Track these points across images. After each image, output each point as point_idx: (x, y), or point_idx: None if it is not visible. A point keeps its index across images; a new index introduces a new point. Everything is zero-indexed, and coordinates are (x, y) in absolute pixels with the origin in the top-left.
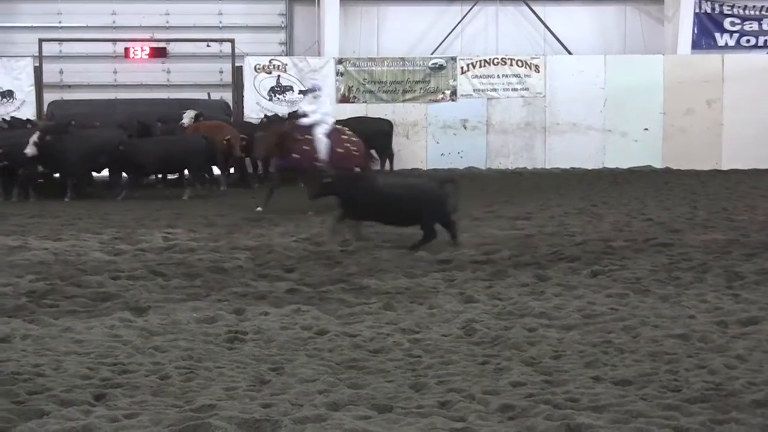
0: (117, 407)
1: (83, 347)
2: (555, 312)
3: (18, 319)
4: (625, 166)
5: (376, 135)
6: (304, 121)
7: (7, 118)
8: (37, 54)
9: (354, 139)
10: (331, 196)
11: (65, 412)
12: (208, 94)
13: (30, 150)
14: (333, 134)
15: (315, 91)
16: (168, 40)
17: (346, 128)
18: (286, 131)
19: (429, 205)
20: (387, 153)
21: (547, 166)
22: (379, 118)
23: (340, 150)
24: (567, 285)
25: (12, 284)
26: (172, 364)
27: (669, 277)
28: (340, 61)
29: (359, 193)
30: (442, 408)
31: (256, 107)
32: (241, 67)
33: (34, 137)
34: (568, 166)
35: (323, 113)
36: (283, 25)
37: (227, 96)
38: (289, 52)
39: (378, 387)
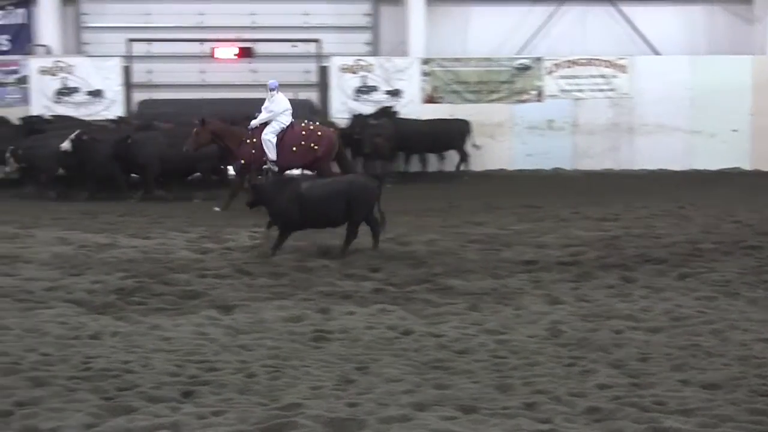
0: (204, 404)
1: (171, 344)
2: (642, 314)
3: (107, 317)
4: (712, 167)
5: (454, 135)
6: (253, 122)
7: (113, 118)
8: (126, 54)
9: (319, 134)
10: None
11: (153, 409)
12: (295, 94)
13: (66, 145)
14: (288, 132)
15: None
16: (255, 40)
17: (314, 124)
18: (230, 132)
19: (357, 202)
20: (462, 154)
21: (634, 168)
22: (457, 119)
23: (294, 148)
24: (654, 287)
25: (101, 282)
26: (258, 363)
27: (758, 281)
28: (425, 62)
29: (283, 199)
30: (527, 409)
31: (341, 107)
32: (327, 67)
33: (72, 135)
34: (654, 168)
35: (272, 111)
36: (368, 26)
37: (313, 96)
38: (374, 53)
39: (463, 387)
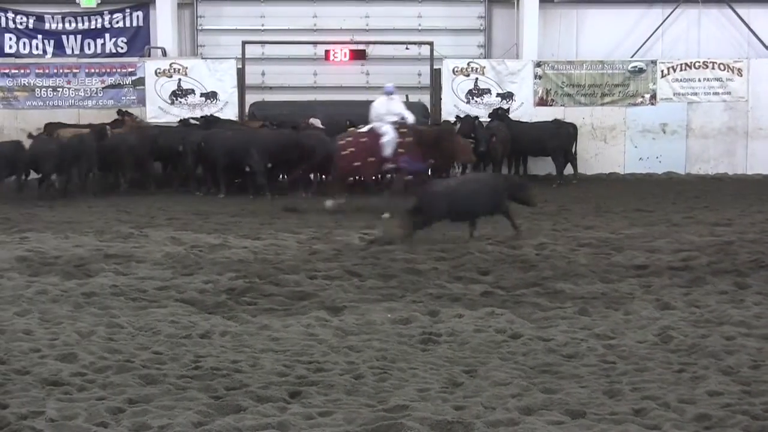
0: (312, 405)
1: (280, 345)
2: (755, 321)
3: (217, 316)
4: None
5: (562, 138)
6: (409, 121)
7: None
8: (241, 56)
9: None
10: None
11: (261, 408)
12: (407, 96)
13: None
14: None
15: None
16: (368, 43)
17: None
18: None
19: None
20: (569, 157)
21: (749, 172)
22: (565, 122)
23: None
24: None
25: (212, 281)
26: (366, 364)
27: None
28: (538, 64)
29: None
30: (636, 415)
31: (453, 110)
32: (440, 69)
33: None
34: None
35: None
36: (481, 28)
37: (425, 98)
38: (487, 55)
39: (571, 392)
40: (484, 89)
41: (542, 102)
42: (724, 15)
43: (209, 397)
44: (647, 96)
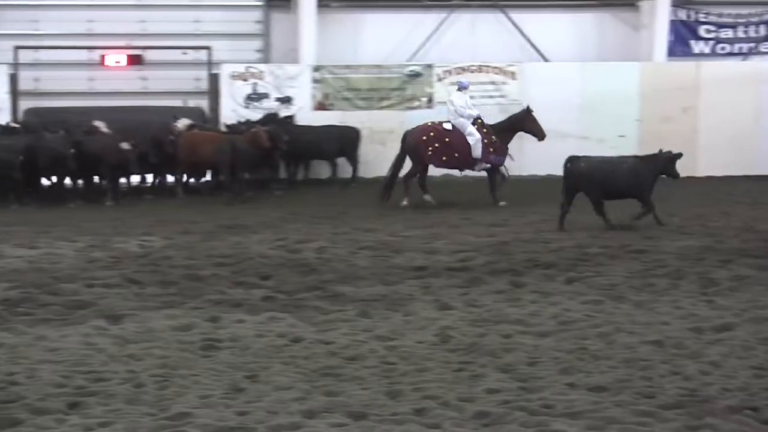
0: (91, 415)
1: (57, 355)
2: (530, 319)
3: None
4: None
5: (344, 142)
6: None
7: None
8: (13, 61)
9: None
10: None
11: (39, 421)
12: (184, 101)
13: None
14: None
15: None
16: (144, 48)
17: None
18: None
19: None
20: (353, 160)
21: (524, 173)
22: (347, 126)
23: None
24: (542, 292)
25: None
26: (146, 372)
27: (644, 284)
28: (316, 69)
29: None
30: (417, 415)
31: (233, 114)
32: (218, 74)
33: None
34: (545, 173)
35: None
36: (260, 33)
37: (204, 104)
38: (265, 60)
39: (353, 394)
40: (262, 94)
41: (321, 106)
42: (498, 20)
43: None
44: (424, 99)
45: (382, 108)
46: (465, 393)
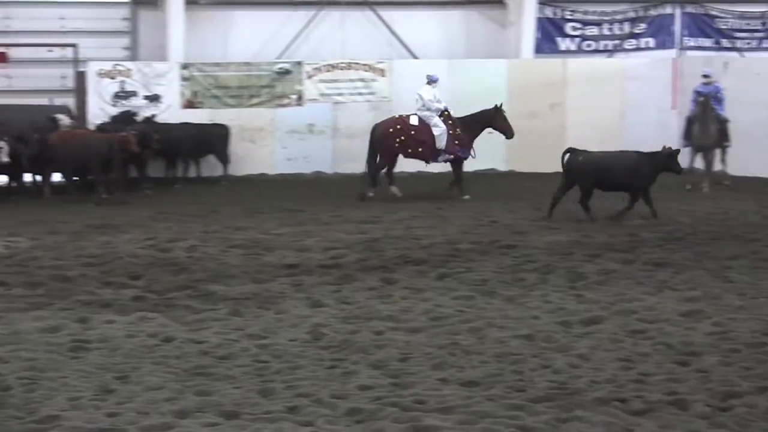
0: None
1: None
2: (402, 315)
3: None
4: (470, 169)
5: (213, 140)
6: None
7: None
8: None
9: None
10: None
11: None
12: (50, 99)
13: None
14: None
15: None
16: (8, 45)
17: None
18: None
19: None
20: (223, 158)
21: (394, 170)
22: (216, 123)
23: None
24: (414, 288)
25: None
26: (13, 375)
27: (514, 279)
28: (185, 66)
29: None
30: (290, 413)
31: (100, 113)
32: (84, 72)
33: None
34: (414, 170)
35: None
36: (127, 30)
37: (70, 102)
38: (133, 57)
39: (225, 393)
40: (130, 92)
41: (189, 104)
42: (367, 17)
43: None
44: (294, 97)
45: (251, 106)
46: (337, 390)
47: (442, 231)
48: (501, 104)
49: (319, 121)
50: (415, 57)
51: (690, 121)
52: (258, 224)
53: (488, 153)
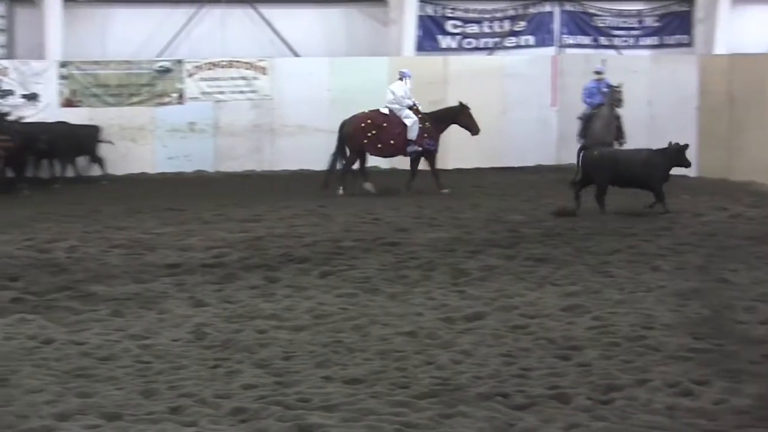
0: None
1: None
2: (285, 313)
3: None
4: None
5: (84, 140)
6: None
7: None
8: None
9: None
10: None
11: None
12: None
13: None
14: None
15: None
16: None
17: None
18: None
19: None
20: (94, 159)
21: (276, 168)
22: (86, 124)
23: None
24: (297, 286)
25: None
26: None
27: (397, 276)
28: (63, 65)
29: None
30: (173, 413)
31: None
32: None
33: None
34: (296, 168)
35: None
36: (2, 28)
37: None
38: (9, 56)
39: (107, 395)
40: (7, 91)
41: (69, 103)
42: (248, 15)
43: None
44: (175, 95)
45: (132, 104)
46: (221, 390)
47: (325, 229)
48: (461, 102)
49: (201, 119)
50: (296, 55)
51: (588, 119)
52: (139, 224)
53: None
